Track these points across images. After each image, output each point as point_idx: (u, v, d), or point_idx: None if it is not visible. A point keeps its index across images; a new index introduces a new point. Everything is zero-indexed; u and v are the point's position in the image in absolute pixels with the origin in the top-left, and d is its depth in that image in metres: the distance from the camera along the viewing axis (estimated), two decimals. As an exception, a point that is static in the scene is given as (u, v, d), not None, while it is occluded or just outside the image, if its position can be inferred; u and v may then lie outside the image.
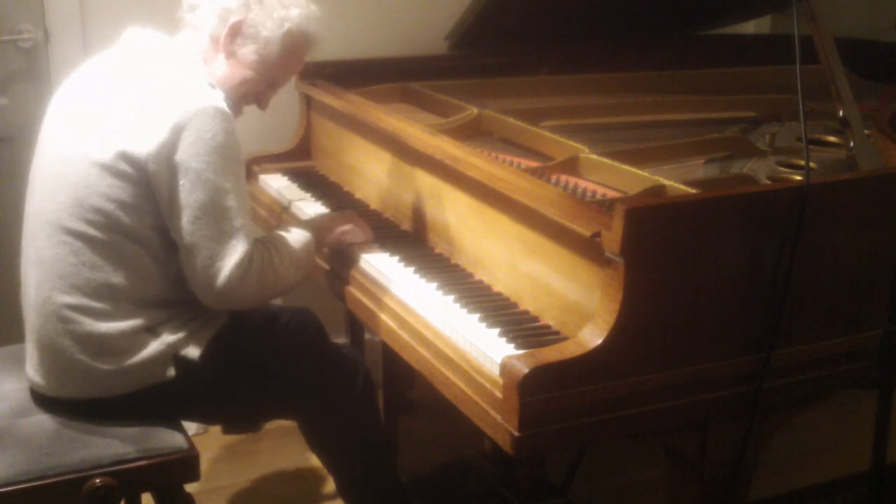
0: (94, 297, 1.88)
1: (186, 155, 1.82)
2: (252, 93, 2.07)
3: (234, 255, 1.87)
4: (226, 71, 2.01)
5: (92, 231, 1.86)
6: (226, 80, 2.01)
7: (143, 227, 1.87)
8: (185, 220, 1.84)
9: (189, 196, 1.83)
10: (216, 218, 1.85)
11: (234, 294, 1.89)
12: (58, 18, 2.76)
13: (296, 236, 2.04)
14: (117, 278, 1.88)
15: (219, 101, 1.89)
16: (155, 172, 1.83)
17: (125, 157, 1.83)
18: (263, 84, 2.06)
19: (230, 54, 2.00)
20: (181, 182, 1.83)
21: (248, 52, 2.00)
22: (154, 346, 1.91)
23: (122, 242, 1.87)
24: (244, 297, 1.91)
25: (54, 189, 1.90)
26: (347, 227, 2.17)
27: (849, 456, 2.86)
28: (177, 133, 1.82)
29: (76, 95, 1.96)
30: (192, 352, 1.95)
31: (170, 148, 1.82)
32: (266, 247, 1.95)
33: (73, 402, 1.93)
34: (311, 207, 2.45)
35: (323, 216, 2.27)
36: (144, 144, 1.82)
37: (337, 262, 2.22)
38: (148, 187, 1.85)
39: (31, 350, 1.99)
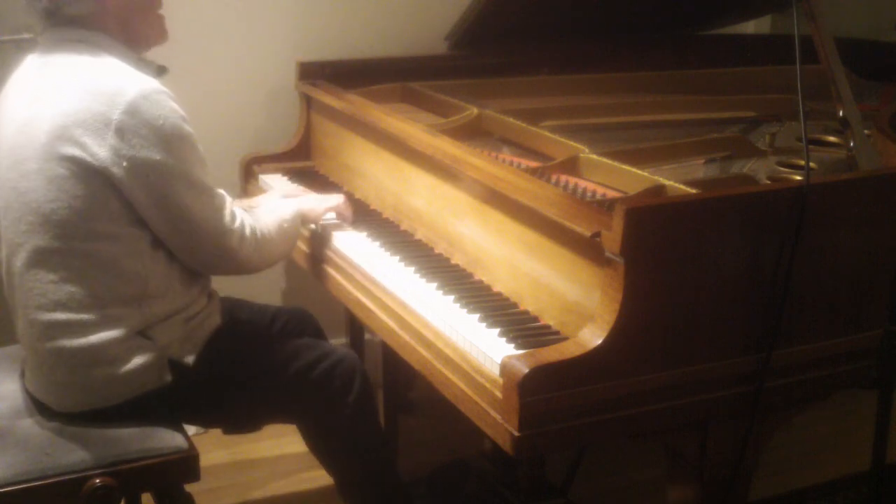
0: (78, 310, 1.86)
1: (144, 150, 1.80)
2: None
3: (224, 213, 1.95)
4: (142, 20, 1.95)
5: (65, 244, 1.83)
6: (145, 22, 1.96)
7: (117, 226, 1.85)
8: (173, 210, 1.86)
9: (164, 187, 1.83)
10: (198, 194, 1.89)
11: (243, 252, 1.98)
12: (58, 18, 2.75)
13: (282, 209, 2.16)
14: (99, 286, 1.86)
15: (150, 82, 1.85)
16: (119, 176, 1.80)
17: (82, 167, 1.80)
18: None
19: (134, 9, 1.93)
20: (149, 176, 1.81)
21: None
22: (148, 352, 1.90)
23: (98, 248, 1.84)
24: (251, 257, 2.01)
25: (21, 209, 1.85)
26: (333, 213, 2.32)
27: (849, 456, 2.86)
28: (122, 132, 1.78)
29: (19, 108, 1.89)
30: (188, 356, 1.95)
31: (123, 147, 1.78)
32: (246, 212, 2.05)
33: (72, 414, 1.93)
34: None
35: (312, 197, 2.36)
36: (97, 151, 1.79)
37: (337, 262, 2.22)
38: (114, 189, 1.82)
39: (27, 369, 1.99)
